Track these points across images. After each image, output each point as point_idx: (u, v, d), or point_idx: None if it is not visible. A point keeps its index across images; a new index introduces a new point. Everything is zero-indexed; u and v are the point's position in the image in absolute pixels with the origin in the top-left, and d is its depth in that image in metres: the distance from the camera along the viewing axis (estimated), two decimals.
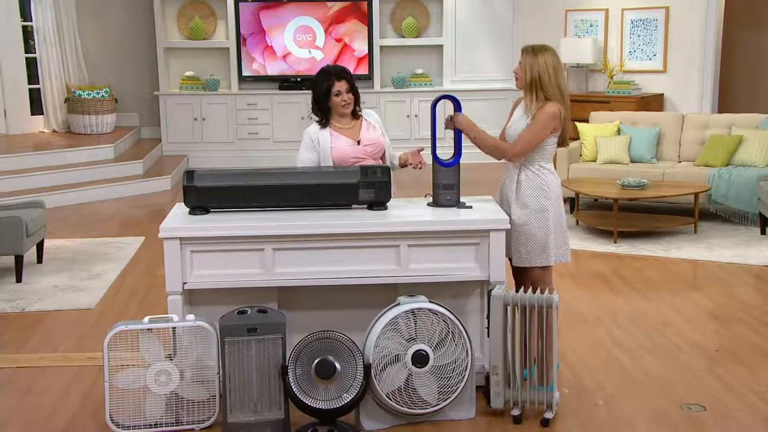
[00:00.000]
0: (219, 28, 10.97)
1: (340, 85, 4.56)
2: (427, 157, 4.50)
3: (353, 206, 4.28)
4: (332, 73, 4.61)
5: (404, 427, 3.92)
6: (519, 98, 4.48)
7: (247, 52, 10.76)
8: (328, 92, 4.56)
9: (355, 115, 4.67)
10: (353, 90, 4.62)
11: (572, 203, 7.90)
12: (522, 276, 4.39)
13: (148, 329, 3.84)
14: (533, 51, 4.35)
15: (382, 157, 4.68)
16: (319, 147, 4.59)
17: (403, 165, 4.71)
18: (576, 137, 8.50)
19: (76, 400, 4.25)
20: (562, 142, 4.36)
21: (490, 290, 3.95)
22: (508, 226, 4.13)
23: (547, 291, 3.96)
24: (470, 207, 4.30)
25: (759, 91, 10.73)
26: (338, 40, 10.82)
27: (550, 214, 4.26)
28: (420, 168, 4.66)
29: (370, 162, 4.58)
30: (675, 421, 3.95)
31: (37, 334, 5.21)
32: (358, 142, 4.60)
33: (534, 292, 3.96)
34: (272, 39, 10.77)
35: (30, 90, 10.61)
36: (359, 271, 4.06)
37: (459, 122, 4.36)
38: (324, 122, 4.62)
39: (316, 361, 3.73)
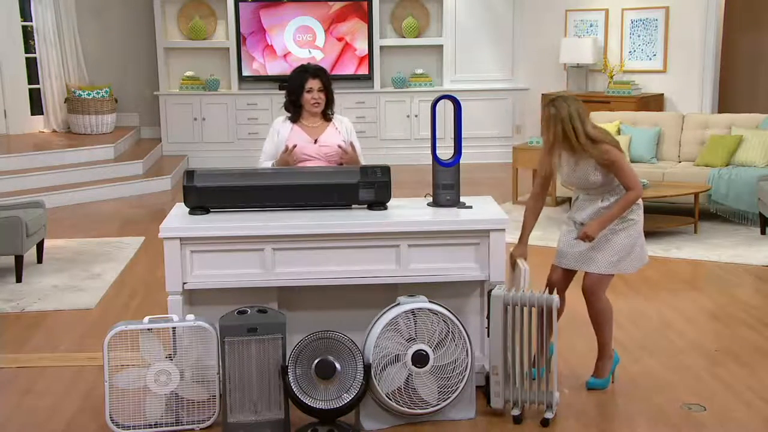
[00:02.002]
0: (219, 28, 10.97)
1: (314, 83, 4.67)
2: (427, 157, 4.51)
3: (353, 206, 4.28)
4: (308, 70, 4.72)
5: (404, 427, 3.92)
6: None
7: (247, 52, 10.76)
8: (301, 88, 4.66)
9: (326, 117, 4.73)
10: (326, 90, 4.72)
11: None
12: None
13: (148, 329, 3.84)
14: (554, 106, 4.09)
15: (341, 162, 4.74)
16: (278, 138, 4.72)
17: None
18: None
19: (76, 400, 4.25)
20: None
21: (490, 290, 3.95)
22: (509, 226, 4.13)
23: (546, 291, 3.97)
24: (470, 207, 4.30)
25: (759, 91, 10.72)
26: (339, 39, 10.81)
27: (638, 224, 4.22)
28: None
29: (321, 163, 4.66)
30: (675, 421, 3.95)
31: (37, 334, 5.21)
32: (315, 141, 4.65)
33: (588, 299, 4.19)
34: (272, 39, 10.77)
35: (30, 90, 10.60)
36: (359, 271, 4.06)
37: (592, 233, 4.13)
38: (294, 118, 4.72)
39: (316, 361, 3.73)
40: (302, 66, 4.80)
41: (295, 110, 4.75)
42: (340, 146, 4.68)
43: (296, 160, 4.65)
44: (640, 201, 4.23)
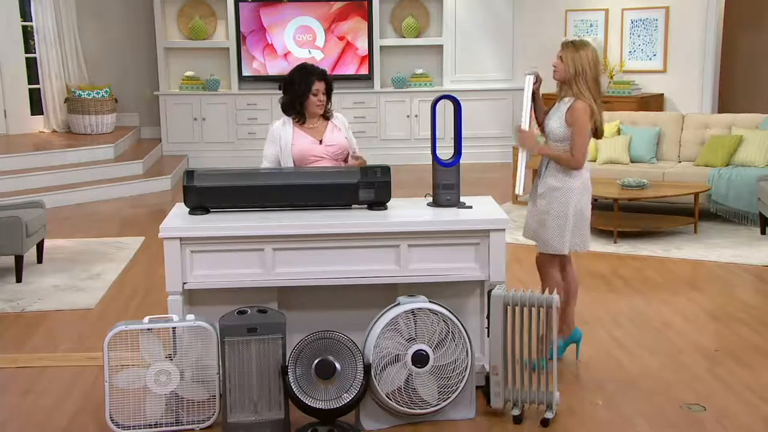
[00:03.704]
0: (219, 27, 10.97)
1: (320, 86, 4.66)
2: (427, 157, 4.51)
3: (353, 206, 4.28)
4: (314, 72, 4.69)
5: (404, 427, 3.92)
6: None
7: (247, 51, 10.76)
8: (308, 90, 4.64)
9: (325, 116, 4.74)
10: (329, 92, 4.71)
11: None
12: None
13: (148, 329, 3.84)
14: (575, 46, 4.47)
15: (345, 159, 4.75)
16: (281, 142, 4.69)
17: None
18: None
19: (76, 400, 4.25)
20: (597, 134, 4.53)
21: (490, 290, 3.95)
22: (509, 226, 4.14)
23: (547, 291, 3.97)
24: (470, 207, 4.30)
25: (759, 91, 10.73)
26: (341, 38, 10.81)
27: (571, 206, 4.43)
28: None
29: (329, 163, 4.66)
30: (675, 421, 3.95)
31: (37, 334, 5.21)
32: (320, 142, 4.67)
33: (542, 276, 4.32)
34: (272, 39, 10.77)
35: (30, 90, 10.60)
36: (359, 271, 4.06)
37: (527, 141, 4.51)
38: (298, 120, 4.71)
39: (316, 361, 3.73)
40: (305, 67, 4.74)
41: (299, 112, 4.72)
42: (354, 156, 4.70)
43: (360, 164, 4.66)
44: (578, 186, 4.44)
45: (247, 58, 10.77)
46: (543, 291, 4.05)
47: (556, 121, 4.49)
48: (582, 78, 4.41)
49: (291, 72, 4.78)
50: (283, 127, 4.72)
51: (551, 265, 4.55)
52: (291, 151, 4.65)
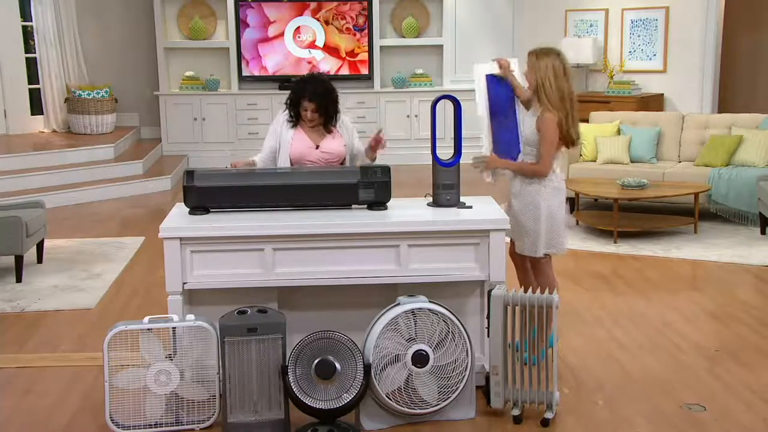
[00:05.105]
0: (219, 27, 10.97)
1: (309, 105, 4.63)
2: (427, 157, 4.51)
3: (353, 206, 4.28)
4: (307, 90, 4.63)
5: (404, 427, 3.92)
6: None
7: (247, 51, 10.76)
8: (297, 105, 4.66)
9: (327, 129, 4.73)
10: (322, 111, 4.64)
11: (572, 203, 7.91)
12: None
13: (148, 329, 3.84)
14: (536, 55, 4.46)
15: (343, 162, 4.74)
16: (281, 139, 4.71)
17: (372, 157, 4.75)
18: None
19: (76, 400, 4.25)
20: (568, 144, 4.53)
21: (490, 290, 3.95)
22: (508, 226, 4.15)
23: (547, 291, 3.97)
24: (470, 207, 4.30)
25: (759, 91, 10.73)
26: (341, 33, 10.81)
27: (542, 209, 4.47)
28: (383, 146, 4.69)
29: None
30: (675, 421, 3.95)
31: (37, 334, 5.21)
32: (317, 147, 4.65)
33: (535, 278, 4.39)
34: (272, 39, 10.76)
35: (30, 90, 10.60)
36: (359, 271, 4.06)
37: (490, 161, 4.56)
38: (295, 122, 4.72)
39: (316, 361, 3.73)
40: (305, 81, 4.69)
41: (296, 116, 4.72)
42: (379, 135, 4.67)
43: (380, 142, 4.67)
44: (549, 190, 4.47)
45: (246, 58, 10.76)
46: (525, 289, 4.08)
47: (528, 127, 4.51)
48: (542, 90, 4.39)
49: (299, 79, 4.77)
50: (286, 125, 4.74)
51: (539, 264, 4.59)
52: (289, 151, 4.67)
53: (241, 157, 5.27)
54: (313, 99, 4.61)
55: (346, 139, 4.76)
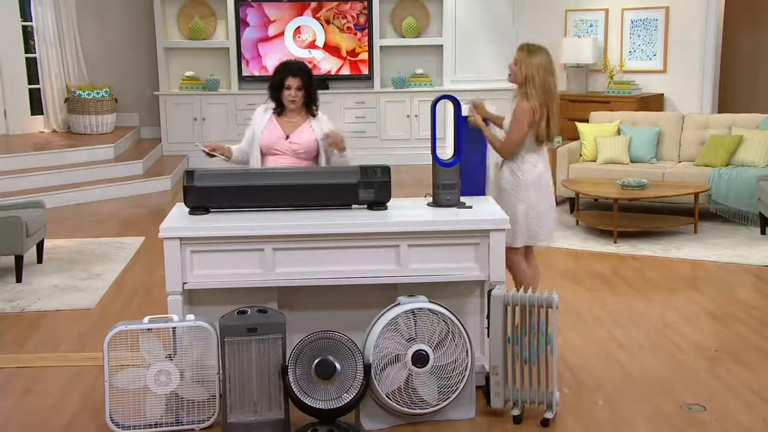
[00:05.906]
0: (219, 27, 10.97)
1: (292, 81, 4.69)
2: (427, 157, 4.51)
3: (353, 206, 4.28)
4: (289, 67, 4.76)
5: (404, 427, 3.92)
6: None
7: (247, 51, 10.75)
8: (280, 84, 4.70)
9: (310, 113, 4.79)
10: (306, 89, 4.71)
11: (572, 203, 7.91)
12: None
13: (148, 329, 3.84)
14: (528, 51, 4.61)
15: (316, 157, 4.76)
16: (255, 128, 4.80)
17: (341, 152, 4.74)
18: (576, 137, 8.50)
19: (76, 400, 4.25)
20: (543, 139, 4.63)
21: (490, 290, 3.95)
22: (508, 226, 4.15)
23: (547, 291, 3.97)
24: (470, 207, 4.30)
25: (759, 91, 10.73)
26: (341, 31, 10.80)
27: (520, 200, 4.61)
28: (340, 142, 4.69)
29: (291, 160, 4.70)
30: (675, 421, 3.95)
31: (37, 334, 5.21)
32: (287, 137, 4.67)
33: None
34: (272, 39, 10.76)
35: (30, 90, 10.60)
36: (359, 271, 4.06)
37: (474, 123, 4.61)
38: (278, 111, 4.77)
39: (316, 361, 3.73)
40: (285, 62, 4.85)
41: (278, 104, 4.78)
42: (326, 133, 4.69)
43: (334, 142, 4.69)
44: (530, 181, 4.61)
45: (246, 57, 10.76)
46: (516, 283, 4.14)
47: (508, 117, 4.68)
48: (530, 83, 4.56)
49: (275, 67, 4.88)
50: (263, 113, 4.84)
51: (512, 253, 4.65)
52: (261, 139, 4.74)
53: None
54: (297, 74, 4.69)
55: (318, 133, 4.76)
